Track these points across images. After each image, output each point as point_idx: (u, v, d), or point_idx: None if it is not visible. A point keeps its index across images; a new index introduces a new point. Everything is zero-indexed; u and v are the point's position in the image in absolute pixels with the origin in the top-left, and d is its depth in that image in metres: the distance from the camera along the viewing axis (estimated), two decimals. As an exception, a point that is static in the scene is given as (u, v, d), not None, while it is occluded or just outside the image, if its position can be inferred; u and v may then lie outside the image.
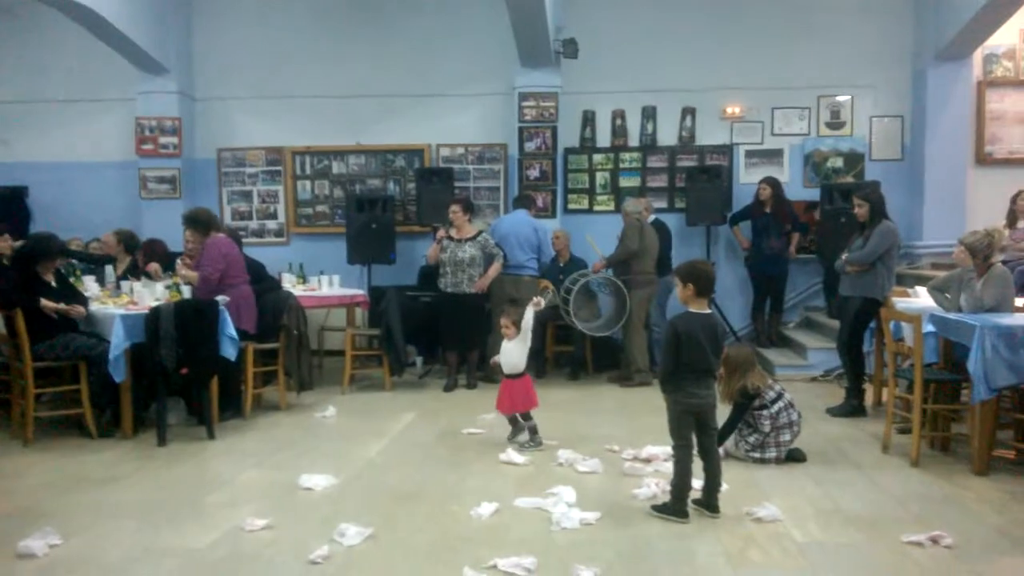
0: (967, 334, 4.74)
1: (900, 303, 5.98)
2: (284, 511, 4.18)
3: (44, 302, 5.59)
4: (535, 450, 5.25)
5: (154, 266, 6.89)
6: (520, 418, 5.41)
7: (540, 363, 8.01)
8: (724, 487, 4.16)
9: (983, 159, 8.84)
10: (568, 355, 8.12)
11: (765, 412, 4.95)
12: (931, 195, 8.66)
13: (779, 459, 4.94)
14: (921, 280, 6.99)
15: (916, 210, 8.79)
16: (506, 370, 5.41)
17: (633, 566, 3.52)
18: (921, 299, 5.94)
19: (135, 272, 7.03)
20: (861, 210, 6.21)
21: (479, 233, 7.44)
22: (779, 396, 5.00)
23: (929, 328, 5.17)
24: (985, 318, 4.78)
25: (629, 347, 7.51)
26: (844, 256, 6.24)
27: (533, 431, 5.36)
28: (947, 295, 5.42)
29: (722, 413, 4.56)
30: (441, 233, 7.51)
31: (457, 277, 7.33)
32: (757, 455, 4.96)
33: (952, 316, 5.07)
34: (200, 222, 6.35)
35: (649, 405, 6.09)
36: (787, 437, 4.97)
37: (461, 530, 3.93)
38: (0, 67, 9.65)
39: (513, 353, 5.40)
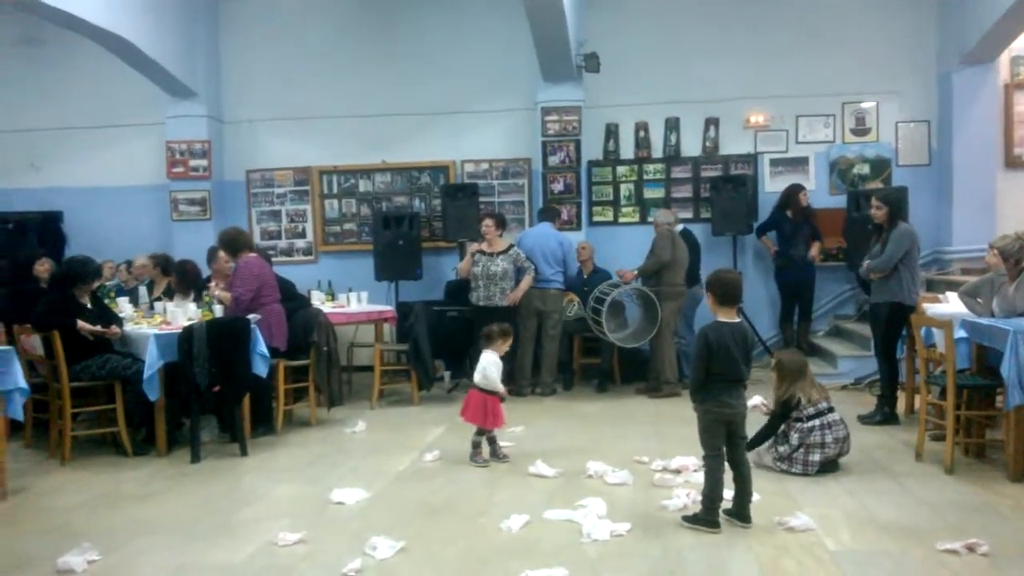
0: (1000, 339, 4.69)
1: (931, 309, 5.91)
2: (316, 525, 4.22)
3: (81, 324, 5.69)
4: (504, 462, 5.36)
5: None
6: (487, 434, 5.44)
7: (568, 375, 8.02)
8: (755, 497, 4.15)
9: (1012, 162, 8.72)
10: (595, 367, 8.11)
11: (796, 426, 4.90)
12: (960, 200, 8.55)
13: (806, 475, 4.85)
14: (952, 286, 6.89)
15: (945, 215, 8.69)
16: (493, 385, 5.37)
17: (664, 577, 3.52)
18: (952, 305, 5.87)
19: (170, 293, 7.14)
20: (879, 212, 6.13)
21: (510, 247, 7.49)
22: (819, 414, 4.89)
23: (961, 333, 5.11)
24: (1018, 322, 4.71)
25: (658, 358, 7.49)
26: (866, 263, 6.20)
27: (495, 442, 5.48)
28: (979, 300, 5.36)
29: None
30: (474, 247, 7.57)
31: (489, 291, 7.40)
32: (784, 467, 4.91)
33: (984, 321, 5.02)
34: (226, 243, 6.45)
35: (678, 416, 6.08)
36: (816, 457, 4.84)
37: (491, 543, 3.94)
38: (32, 95, 9.87)
39: (496, 369, 5.43)
